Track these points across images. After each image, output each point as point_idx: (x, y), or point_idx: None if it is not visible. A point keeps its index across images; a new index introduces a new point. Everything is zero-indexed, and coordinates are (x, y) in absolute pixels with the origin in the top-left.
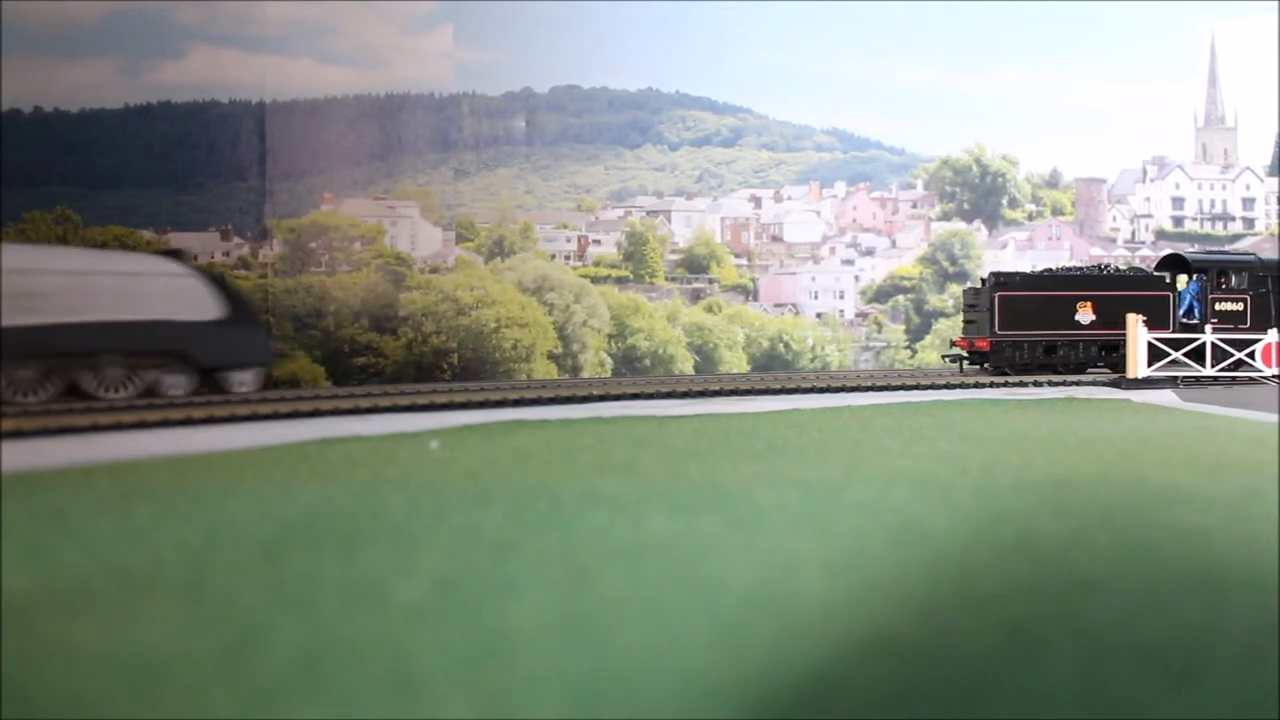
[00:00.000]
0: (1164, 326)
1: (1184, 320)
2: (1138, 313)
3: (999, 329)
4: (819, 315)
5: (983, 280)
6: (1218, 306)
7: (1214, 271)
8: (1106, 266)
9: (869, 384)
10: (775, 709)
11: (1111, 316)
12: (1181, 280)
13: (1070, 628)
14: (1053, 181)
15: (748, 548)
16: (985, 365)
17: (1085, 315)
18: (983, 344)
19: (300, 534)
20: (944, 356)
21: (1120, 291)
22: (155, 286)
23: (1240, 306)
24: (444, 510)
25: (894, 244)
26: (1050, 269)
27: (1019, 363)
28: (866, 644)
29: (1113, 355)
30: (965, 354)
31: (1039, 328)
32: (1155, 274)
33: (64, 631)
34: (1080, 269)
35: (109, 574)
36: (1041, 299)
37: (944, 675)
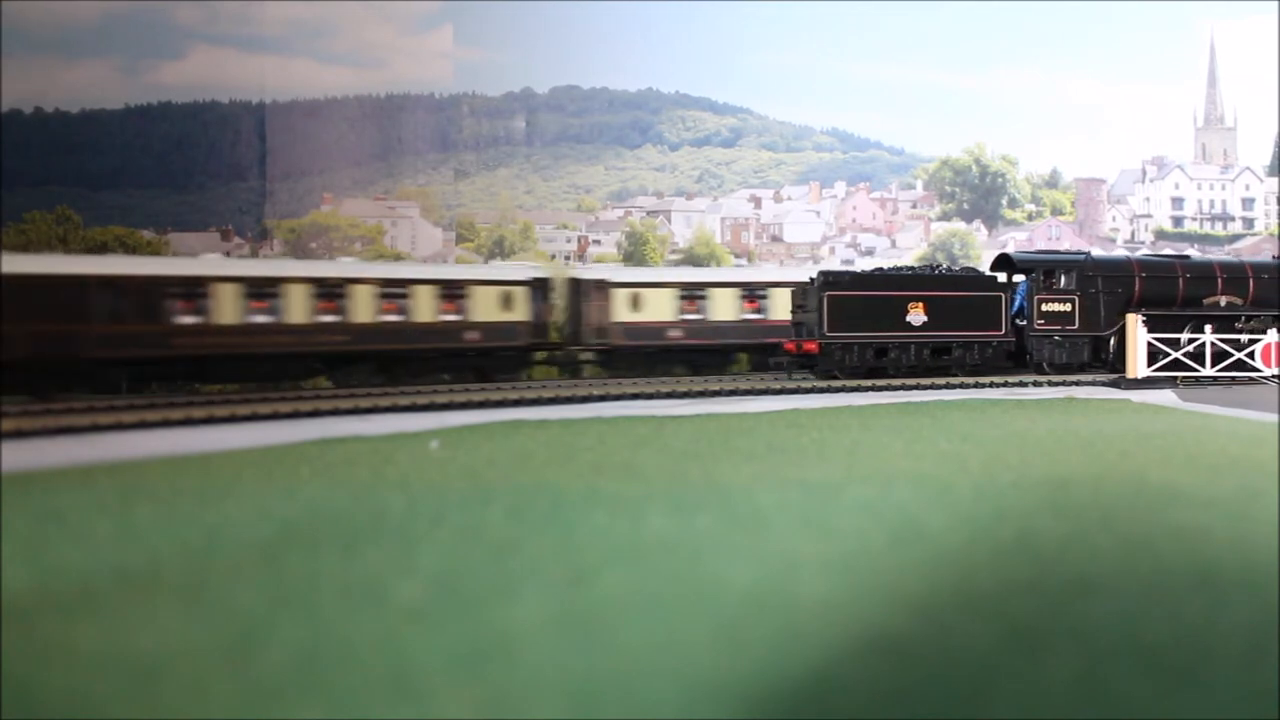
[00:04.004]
0: (996, 328)
1: (1017, 321)
2: (971, 313)
3: (827, 331)
4: None
5: (811, 279)
6: (1044, 307)
7: (1040, 271)
8: (939, 266)
9: (872, 385)
10: (775, 709)
11: (943, 318)
12: (1020, 280)
13: (1070, 627)
14: (1053, 181)
15: (748, 548)
16: (813, 369)
17: (917, 316)
18: (810, 346)
19: (300, 534)
20: (771, 361)
21: (952, 292)
22: None
23: (1068, 307)
24: (444, 510)
25: (894, 244)
26: (881, 268)
27: (848, 366)
28: (866, 644)
29: (942, 358)
30: (793, 357)
31: (869, 329)
32: (988, 274)
33: (64, 631)
34: (912, 269)
35: (109, 574)
36: (871, 299)
37: (944, 675)
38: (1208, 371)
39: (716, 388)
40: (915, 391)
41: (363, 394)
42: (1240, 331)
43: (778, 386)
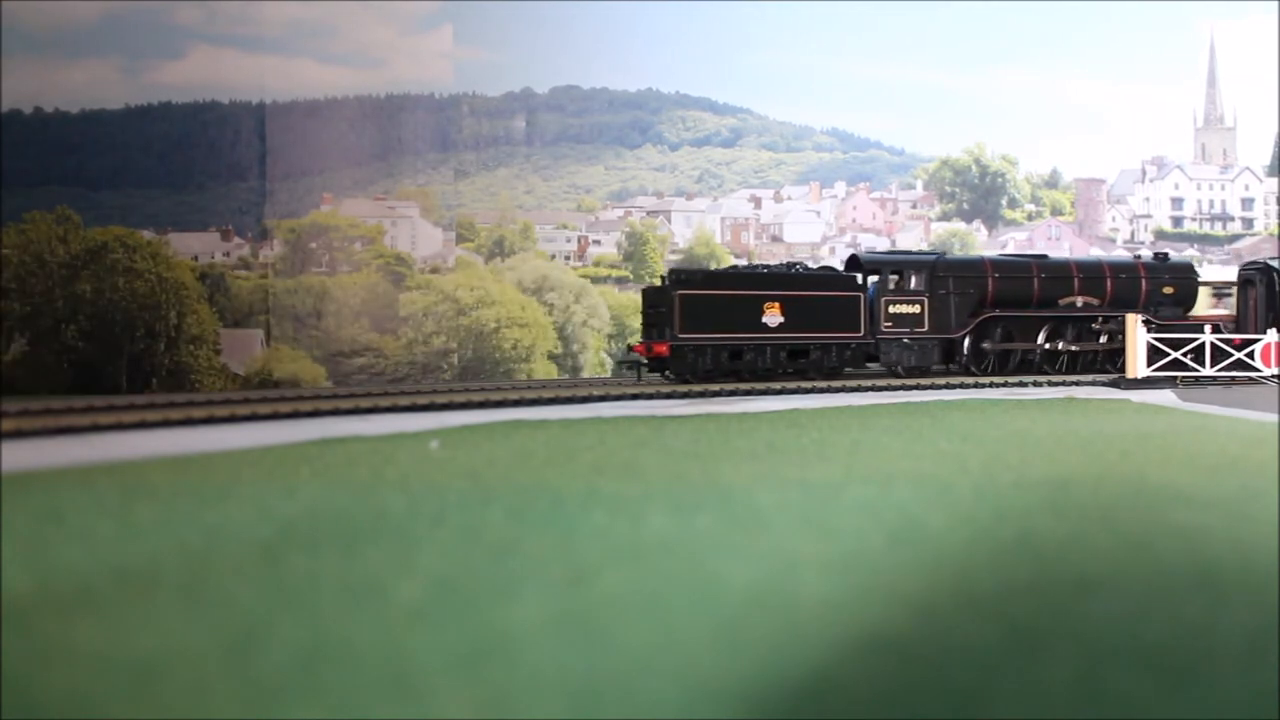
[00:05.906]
0: (854, 329)
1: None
2: (828, 314)
3: (680, 332)
4: None
5: (663, 278)
6: (891, 309)
7: (887, 271)
8: (795, 265)
9: (870, 385)
10: (775, 709)
11: (800, 319)
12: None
13: (1070, 628)
14: (1052, 181)
15: (748, 548)
16: (665, 373)
17: (773, 317)
18: (661, 349)
19: (300, 534)
20: (620, 364)
21: (808, 292)
22: None
23: (916, 309)
24: (444, 510)
25: (894, 244)
26: (736, 266)
27: (701, 369)
28: (866, 644)
29: (799, 361)
30: (644, 360)
31: (723, 330)
32: (845, 274)
33: (64, 631)
34: (768, 267)
35: (109, 574)
36: (726, 299)
37: (944, 675)
38: (1207, 371)
39: (716, 388)
40: (915, 391)
41: (362, 394)
42: (1100, 333)
43: (778, 387)
